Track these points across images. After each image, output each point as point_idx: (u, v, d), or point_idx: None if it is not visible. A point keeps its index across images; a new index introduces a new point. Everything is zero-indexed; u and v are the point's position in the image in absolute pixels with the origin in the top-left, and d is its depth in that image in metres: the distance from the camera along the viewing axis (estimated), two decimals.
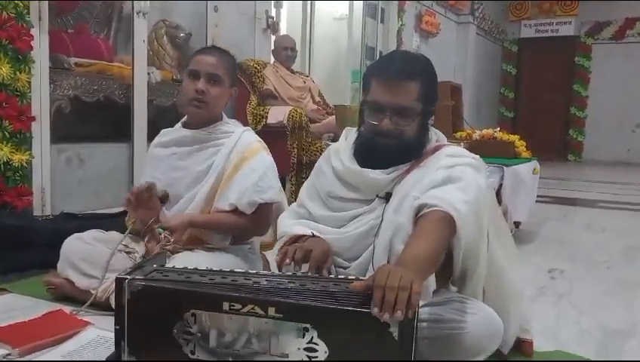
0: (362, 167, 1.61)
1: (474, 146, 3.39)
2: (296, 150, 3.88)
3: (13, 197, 2.78)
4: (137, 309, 1.23)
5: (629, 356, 1.82)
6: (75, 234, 2.10)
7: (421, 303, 1.42)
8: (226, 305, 1.18)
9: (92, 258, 2.01)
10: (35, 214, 2.91)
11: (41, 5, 2.91)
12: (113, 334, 1.29)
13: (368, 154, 1.62)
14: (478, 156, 1.63)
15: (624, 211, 5.13)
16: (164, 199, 1.92)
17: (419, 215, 1.44)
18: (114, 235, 2.09)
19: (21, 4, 2.76)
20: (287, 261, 1.44)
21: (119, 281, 1.24)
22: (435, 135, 1.69)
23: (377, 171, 1.58)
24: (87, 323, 1.81)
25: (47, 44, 2.98)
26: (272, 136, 3.21)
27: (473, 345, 1.42)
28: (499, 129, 3.82)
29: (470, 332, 1.41)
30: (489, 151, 3.55)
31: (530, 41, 10.99)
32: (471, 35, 9.19)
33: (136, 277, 1.25)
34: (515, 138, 3.72)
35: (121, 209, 2.61)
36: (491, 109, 10.98)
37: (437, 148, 1.63)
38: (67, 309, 1.93)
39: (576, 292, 2.51)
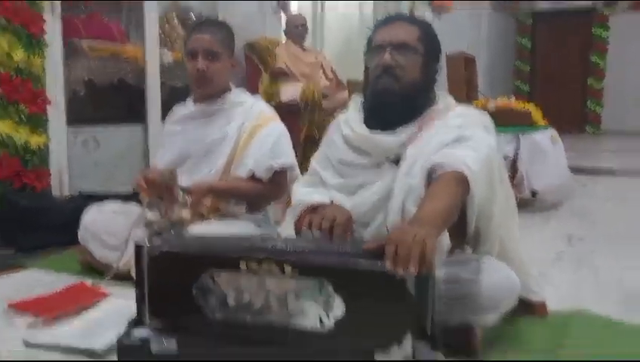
0: (371, 130, 1.61)
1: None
2: (307, 126, 3.87)
3: (32, 179, 2.83)
4: (157, 273, 1.25)
5: None
6: (95, 206, 2.17)
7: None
8: (243, 265, 1.19)
9: (113, 230, 2.07)
10: (53, 194, 2.96)
11: None
12: (133, 303, 1.31)
13: (374, 104, 1.62)
14: (487, 115, 1.63)
15: None
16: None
17: (432, 176, 1.45)
18: (132, 207, 2.13)
19: None
20: (315, 231, 1.44)
21: (138, 248, 1.27)
22: (444, 98, 1.68)
23: (386, 133, 1.58)
24: (107, 294, 1.86)
25: (59, 28, 3.01)
26: (284, 113, 3.20)
27: (490, 302, 1.42)
28: (514, 98, 3.78)
29: (487, 289, 1.41)
30: (505, 120, 3.50)
31: (545, 14, 10.80)
32: (484, 11, 9.07)
33: (155, 243, 1.27)
34: (531, 107, 3.68)
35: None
36: (507, 82, 10.82)
37: (446, 110, 1.62)
38: (88, 282, 1.98)
39: (596, 257, 2.50)
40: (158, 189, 1.86)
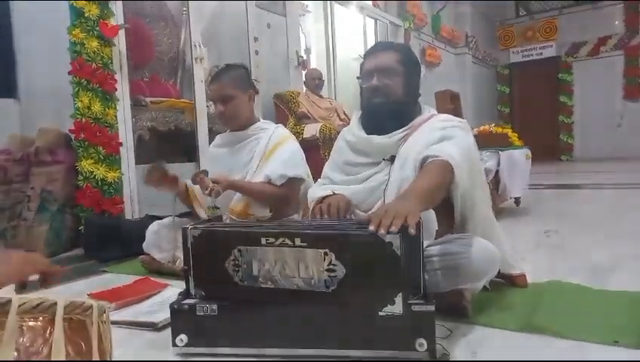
0: (369, 134, 1.63)
1: None
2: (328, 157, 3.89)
3: (109, 206, 2.90)
4: (198, 250, 1.26)
5: (613, 286, 1.74)
6: (156, 222, 2.20)
7: (427, 242, 1.42)
8: (263, 240, 1.19)
9: (169, 237, 2.10)
10: (126, 218, 3.01)
11: (121, 56, 3.06)
12: None
13: (369, 118, 1.64)
14: (465, 120, 1.63)
15: (611, 190, 4.88)
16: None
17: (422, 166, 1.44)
18: (185, 221, 2.14)
19: (106, 56, 2.91)
20: (319, 216, 1.47)
21: (184, 230, 1.28)
22: (428, 109, 1.69)
23: (381, 136, 1.60)
24: (167, 285, 1.87)
25: (127, 85, 3.12)
26: (308, 148, 3.22)
27: (476, 270, 1.40)
28: (494, 124, 3.75)
29: (473, 260, 1.39)
30: (487, 143, 3.49)
31: (519, 65, 10.79)
32: (467, 63, 9.10)
33: (197, 226, 1.29)
34: (508, 130, 3.65)
35: (187, 210, 2.69)
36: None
37: (430, 117, 1.63)
38: (152, 278, 2.00)
39: (567, 243, 2.43)
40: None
